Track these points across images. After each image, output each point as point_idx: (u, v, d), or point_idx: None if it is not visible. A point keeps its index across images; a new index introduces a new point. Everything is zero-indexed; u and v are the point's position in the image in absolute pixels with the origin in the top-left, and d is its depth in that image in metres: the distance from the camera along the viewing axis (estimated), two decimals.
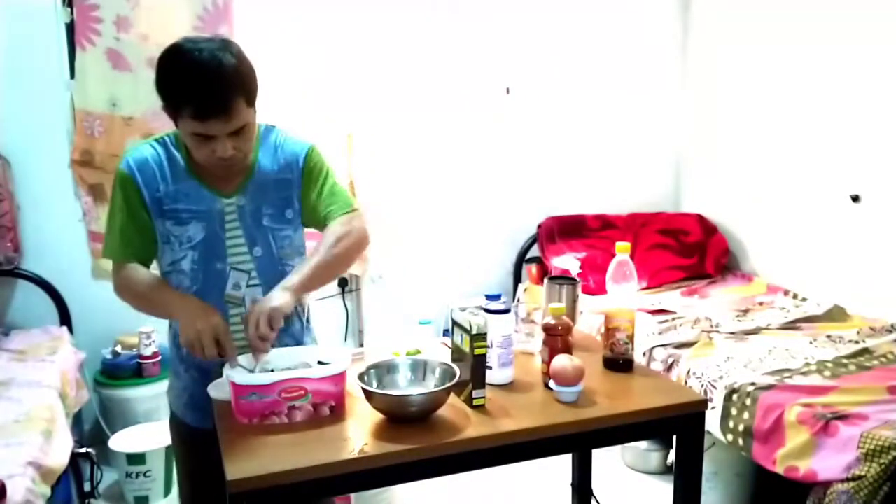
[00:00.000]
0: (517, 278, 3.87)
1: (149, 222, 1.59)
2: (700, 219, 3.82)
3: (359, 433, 1.39)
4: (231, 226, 1.60)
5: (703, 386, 2.49)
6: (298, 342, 1.71)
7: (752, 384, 2.34)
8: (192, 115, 1.44)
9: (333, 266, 1.61)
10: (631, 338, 1.69)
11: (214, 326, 1.46)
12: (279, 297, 1.49)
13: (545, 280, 1.95)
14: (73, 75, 3.13)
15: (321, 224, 1.66)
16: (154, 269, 1.66)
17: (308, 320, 1.78)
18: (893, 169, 2.94)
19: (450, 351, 1.61)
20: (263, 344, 1.48)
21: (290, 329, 1.69)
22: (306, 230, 1.73)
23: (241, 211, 1.60)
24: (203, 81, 1.42)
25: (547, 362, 1.58)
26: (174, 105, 1.46)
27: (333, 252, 1.58)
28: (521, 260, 3.87)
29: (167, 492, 2.91)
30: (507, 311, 1.59)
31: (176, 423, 1.74)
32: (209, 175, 1.58)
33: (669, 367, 2.67)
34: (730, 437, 2.34)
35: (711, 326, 2.95)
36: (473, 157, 3.82)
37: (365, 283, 3.70)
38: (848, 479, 1.96)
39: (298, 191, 1.65)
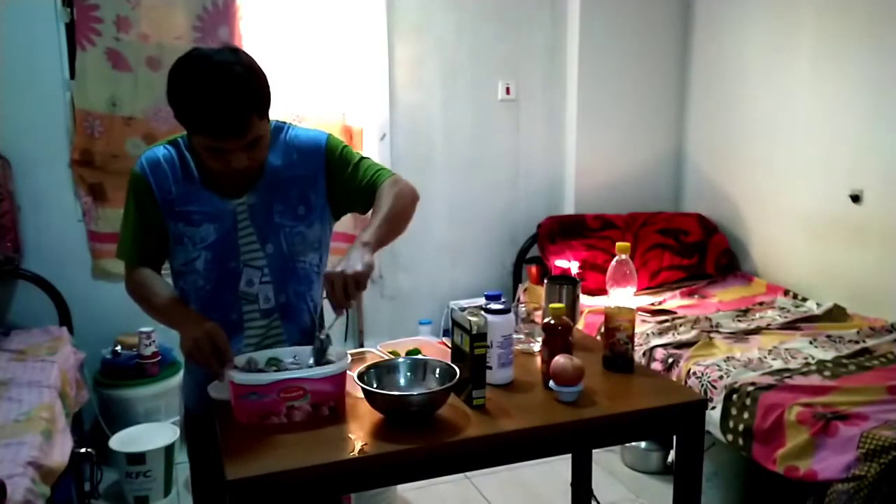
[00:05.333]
0: (517, 278, 3.87)
1: (161, 223, 1.59)
2: (700, 219, 3.82)
3: (359, 433, 1.39)
4: (243, 224, 1.60)
5: (703, 386, 2.49)
6: (310, 339, 1.71)
7: (752, 384, 2.34)
8: (206, 135, 1.45)
9: (398, 218, 1.62)
10: (631, 338, 1.69)
11: (208, 331, 1.46)
12: (361, 258, 1.48)
13: (545, 280, 1.95)
14: (73, 75, 3.13)
15: (367, 196, 1.64)
16: (166, 267, 1.67)
17: (322, 318, 1.78)
18: (893, 169, 2.94)
19: (450, 351, 1.61)
20: (347, 305, 1.48)
21: (299, 324, 1.69)
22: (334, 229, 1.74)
23: (252, 209, 1.60)
24: (217, 104, 1.41)
25: (547, 362, 1.58)
26: (187, 124, 1.47)
27: (394, 207, 1.59)
28: (521, 260, 3.87)
29: (167, 492, 2.91)
30: (507, 311, 1.59)
31: (190, 419, 1.74)
32: (220, 179, 1.58)
33: (669, 367, 2.67)
34: (730, 437, 2.34)
35: (711, 326, 2.95)
36: (473, 156, 3.82)
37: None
38: (848, 479, 1.96)
39: (321, 184, 1.65)
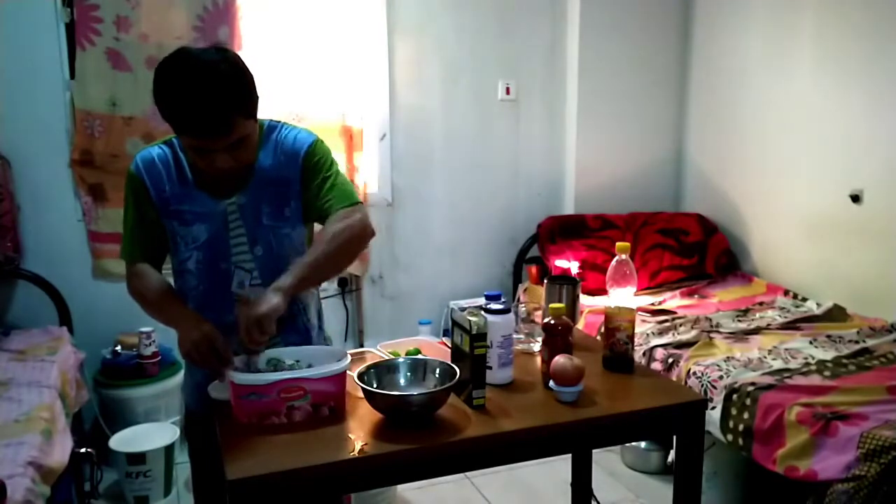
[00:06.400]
0: (517, 278, 3.87)
1: (158, 222, 1.60)
2: (700, 219, 3.82)
3: (359, 433, 1.39)
4: (234, 225, 1.60)
5: (703, 386, 2.49)
6: (306, 340, 1.71)
7: (752, 384, 2.34)
8: (190, 134, 1.45)
9: (331, 262, 1.56)
10: (631, 338, 1.69)
11: (206, 334, 1.47)
12: (269, 302, 1.45)
13: (545, 280, 1.95)
14: (73, 75, 3.12)
15: (322, 219, 1.61)
16: (167, 266, 1.68)
17: (321, 319, 1.78)
18: (893, 169, 2.94)
19: (450, 351, 1.61)
20: (255, 347, 1.48)
21: (296, 326, 1.69)
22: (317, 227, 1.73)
23: (242, 210, 1.60)
24: (200, 104, 1.41)
25: (547, 362, 1.58)
26: (172, 123, 1.47)
27: (330, 247, 1.53)
28: (521, 260, 3.87)
29: (167, 492, 2.91)
30: (507, 311, 1.59)
31: (192, 419, 1.74)
32: (211, 179, 1.58)
33: (669, 367, 2.67)
34: (730, 437, 2.34)
35: (711, 326, 2.95)
36: (473, 156, 3.82)
37: (365, 283, 3.70)
38: (848, 479, 1.96)
39: (298, 187, 1.63)
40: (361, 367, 1.52)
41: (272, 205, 1.62)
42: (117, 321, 3.11)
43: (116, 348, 3.13)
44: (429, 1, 3.61)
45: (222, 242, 1.60)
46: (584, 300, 3.08)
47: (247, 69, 1.49)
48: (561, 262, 3.57)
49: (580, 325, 2.69)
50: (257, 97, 1.51)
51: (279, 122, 1.67)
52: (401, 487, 2.82)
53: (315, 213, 1.64)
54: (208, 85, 1.41)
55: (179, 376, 3.16)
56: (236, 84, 1.45)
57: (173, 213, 1.59)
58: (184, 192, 1.59)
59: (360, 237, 1.60)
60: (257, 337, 1.45)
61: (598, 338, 2.00)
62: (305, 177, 1.63)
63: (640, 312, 3.08)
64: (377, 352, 1.83)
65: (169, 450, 2.87)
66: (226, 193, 1.59)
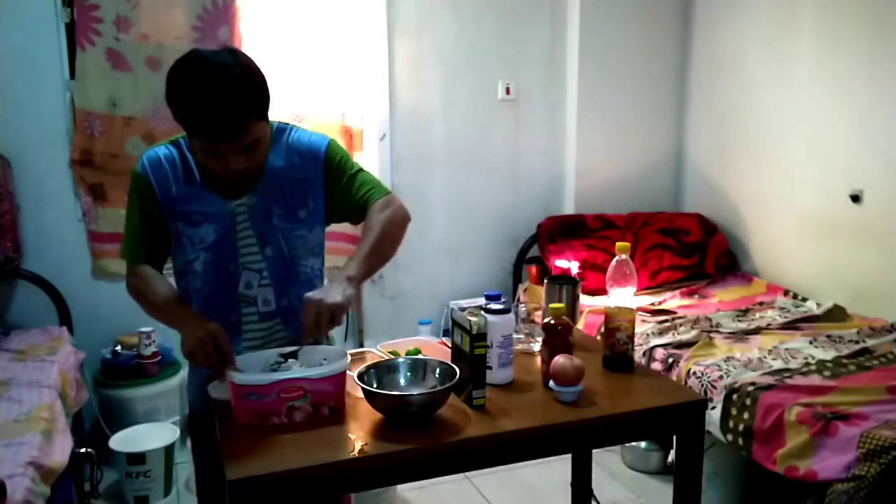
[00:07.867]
0: (517, 278, 3.87)
1: (162, 222, 1.60)
2: (700, 219, 3.82)
3: (359, 433, 1.39)
4: (242, 226, 1.60)
5: (703, 386, 2.49)
6: (316, 341, 1.71)
7: (752, 384, 2.34)
8: (203, 137, 1.45)
9: (385, 247, 1.61)
10: (631, 338, 1.69)
11: (212, 332, 1.46)
12: (343, 291, 1.48)
13: (545, 280, 1.95)
14: (73, 75, 3.13)
15: (359, 212, 1.64)
16: (168, 266, 1.68)
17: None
18: (893, 169, 2.94)
19: (450, 351, 1.61)
20: (315, 335, 1.49)
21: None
22: (327, 230, 1.74)
23: (252, 211, 1.60)
24: (214, 107, 1.41)
25: (547, 362, 1.58)
26: (185, 126, 1.47)
27: (385, 232, 1.59)
28: (521, 260, 3.87)
29: (167, 492, 2.91)
30: (507, 311, 1.59)
31: (195, 418, 1.74)
32: (220, 180, 1.58)
33: (669, 367, 2.67)
34: (730, 437, 2.34)
35: (711, 326, 2.95)
36: (473, 156, 3.82)
37: (365, 283, 3.69)
38: (848, 479, 1.96)
39: (319, 188, 1.64)
40: (361, 367, 1.52)
41: (285, 206, 1.62)
42: (117, 321, 3.11)
43: (116, 348, 3.13)
44: (429, 1, 3.61)
45: (230, 243, 1.60)
46: (584, 300, 3.08)
47: (259, 71, 1.49)
48: (561, 262, 3.57)
49: (580, 325, 2.70)
50: (269, 98, 1.51)
51: (288, 123, 1.68)
52: (401, 487, 2.83)
53: (349, 208, 1.67)
54: (221, 88, 1.41)
55: (179, 376, 3.16)
56: (249, 86, 1.45)
57: (179, 213, 1.58)
58: (191, 192, 1.58)
59: (403, 222, 1.66)
60: (326, 325, 1.46)
61: (598, 338, 2.00)
62: (329, 178, 1.65)
63: (640, 312, 3.08)
64: (377, 352, 1.83)
65: (169, 450, 2.87)
66: (234, 194, 1.59)
